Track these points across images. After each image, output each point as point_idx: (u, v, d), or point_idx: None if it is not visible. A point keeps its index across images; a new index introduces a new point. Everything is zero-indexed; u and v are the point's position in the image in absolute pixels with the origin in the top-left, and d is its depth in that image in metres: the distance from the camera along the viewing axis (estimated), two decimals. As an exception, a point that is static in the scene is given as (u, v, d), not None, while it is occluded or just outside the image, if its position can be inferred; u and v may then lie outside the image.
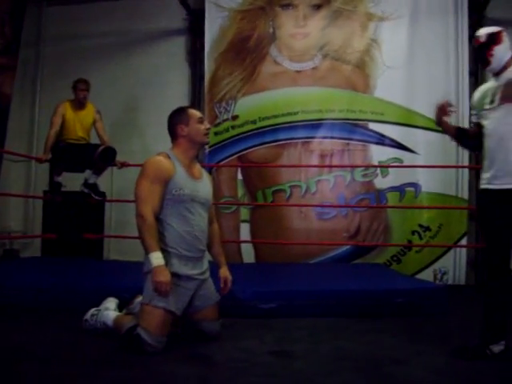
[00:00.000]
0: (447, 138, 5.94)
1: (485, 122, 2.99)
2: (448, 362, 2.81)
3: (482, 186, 2.94)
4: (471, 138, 3.19)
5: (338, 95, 6.25)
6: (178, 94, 6.69)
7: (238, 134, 6.39)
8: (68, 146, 5.25)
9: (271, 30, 6.38)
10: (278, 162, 6.29)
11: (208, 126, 3.12)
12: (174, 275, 2.90)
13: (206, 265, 3.13)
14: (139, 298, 3.09)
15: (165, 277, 2.78)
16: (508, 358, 2.78)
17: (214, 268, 3.29)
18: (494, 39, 2.93)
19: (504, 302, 2.81)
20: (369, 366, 2.73)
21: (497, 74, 2.96)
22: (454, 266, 6.06)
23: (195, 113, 3.11)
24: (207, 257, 3.19)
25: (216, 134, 6.41)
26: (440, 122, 3.32)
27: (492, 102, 2.94)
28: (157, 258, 2.80)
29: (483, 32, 2.96)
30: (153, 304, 2.83)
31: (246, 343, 3.10)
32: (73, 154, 5.25)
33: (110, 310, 3.20)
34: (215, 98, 6.43)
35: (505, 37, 2.94)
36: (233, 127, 6.39)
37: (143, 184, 2.91)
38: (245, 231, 6.37)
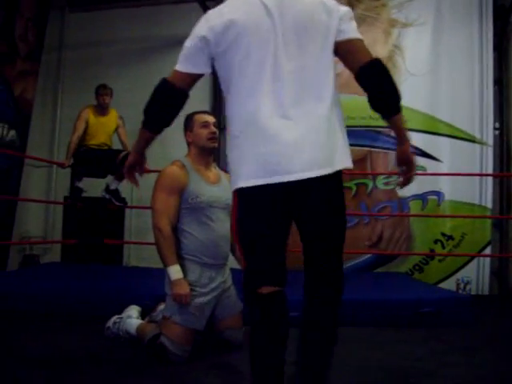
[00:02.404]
0: (471, 145, 5.94)
1: None
2: (476, 374, 2.75)
3: None
4: None
5: (361, 102, 6.11)
6: (199, 99, 6.60)
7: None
8: (90, 151, 5.25)
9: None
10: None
11: (213, 130, 3.03)
12: (196, 285, 2.87)
13: (227, 272, 3.09)
14: (162, 306, 3.06)
15: (184, 290, 2.77)
16: None
17: (237, 275, 3.25)
18: None
19: None
20: (396, 377, 2.68)
21: None
22: (477, 275, 5.95)
23: (200, 117, 3.05)
24: (229, 264, 3.15)
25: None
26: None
27: None
28: (175, 272, 2.78)
29: None
30: (173, 320, 2.81)
31: (270, 352, 3.05)
32: (95, 159, 5.25)
33: (132, 317, 3.17)
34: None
35: None
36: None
37: (158, 196, 2.89)
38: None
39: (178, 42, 6.86)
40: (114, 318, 3.22)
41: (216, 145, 3.07)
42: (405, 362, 2.95)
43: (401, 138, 1.95)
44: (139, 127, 2.12)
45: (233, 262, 3.38)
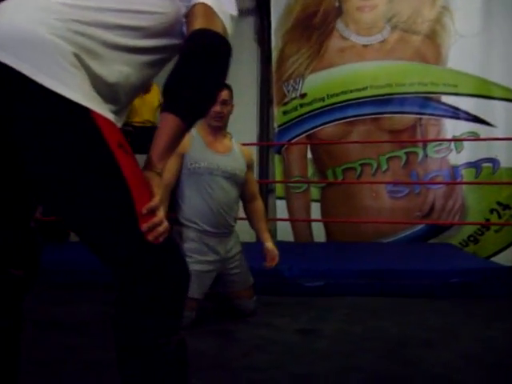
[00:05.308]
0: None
1: None
2: (481, 347, 2.64)
3: None
4: None
5: (408, 68, 5.99)
6: (247, 75, 6.65)
7: (306, 113, 6.28)
8: (134, 129, 5.37)
9: (337, 4, 6.19)
10: (347, 140, 6.13)
11: (218, 109, 2.98)
12: (194, 251, 2.91)
13: (232, 243, 3.10)
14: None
15: None
16: None
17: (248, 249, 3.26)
18: None
19: None
20: (394, 347, 2.62)
21: None
22: (536, 246, 5.67)
23: None
24: (236, 235, 3.16)
25: (284, 113, 6.35)
26: None
27: None
28: None
29: None
30: None
31: (278, 321, 3.07)
32: (138, 136, 5.36)
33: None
34: (283, 77, 6.35)
35: None
36: (301, 105, 6.29)
37: None
38: (315, 211, 6.28)
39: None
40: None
41: (220, 124, 3.06)
42: (412, 332, 2.88)
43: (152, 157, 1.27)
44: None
45: (247, 236, 3.40)
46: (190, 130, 1.35)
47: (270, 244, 3.19)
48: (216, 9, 1.32)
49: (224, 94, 3.01)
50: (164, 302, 1.21)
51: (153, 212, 1.19)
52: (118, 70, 1.27)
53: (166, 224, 1.22)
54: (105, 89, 1.24)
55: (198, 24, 1.28)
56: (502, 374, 2.28)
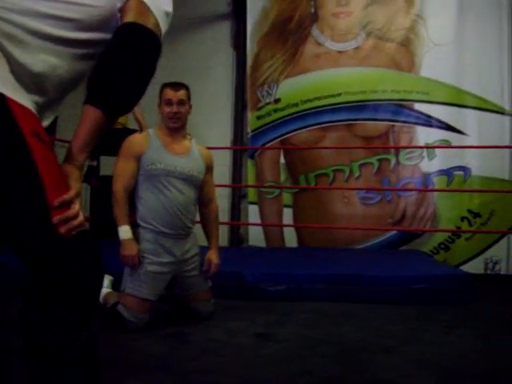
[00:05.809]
0: (500, 118, 5.62)
1: None
2: (438, 352, 2.61)
3: None
4: None
5: (382, 75, 5.97)
6: (223, 79, 6.62)
7: (280, 118, 6.24)
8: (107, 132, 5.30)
9: (313, 10, 6.19)
10: (320, 146, 6.10)
11: (174, 110, 2.97)
12: (149, 252, 2.87)
13: (189, 244, 3.05)
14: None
15: (130, 250, 2.79)
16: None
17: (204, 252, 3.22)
18: None
19: None
20: (349, 352, 2.58)
21: None
22: (507, 254, 5.66)
23: (165, 93, 3.00)
24: (194, 237, 3.12)
25: (258, 118, 6.31)
26: None
27: None
28: (124, 232, 2.81)
29: None
30: (126, 292, 2.83)
31: (235, 324, 3.04)
32: (110, 138, 5.30)
33: (103, 287, 3.21)
34: (257, 82, 6.32)
35: None
36: (275, 111, 6.26)
37: (117, 161, 2.96)
38: (288, 216, 6.24)
39: (203, 22, 6.75)
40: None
41: (177, 125, 3.02)
42: (371, 337, 2.85)
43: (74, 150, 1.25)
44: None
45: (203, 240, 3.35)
46: (113, 123, 1.32)
47: (212, 253, 3.16)
48: (149, 4, 1.30)
49: (181, 94, 2.98)
50: (74, 296, 1.18)
51: (67, 205, 1.17)
52: (44, 59, 1.23)
53: (80, 218, 1.19)
54: (29, 78, 1.21)
55: (129, 18, 1.27)
56: (451, 379, 2.25)
